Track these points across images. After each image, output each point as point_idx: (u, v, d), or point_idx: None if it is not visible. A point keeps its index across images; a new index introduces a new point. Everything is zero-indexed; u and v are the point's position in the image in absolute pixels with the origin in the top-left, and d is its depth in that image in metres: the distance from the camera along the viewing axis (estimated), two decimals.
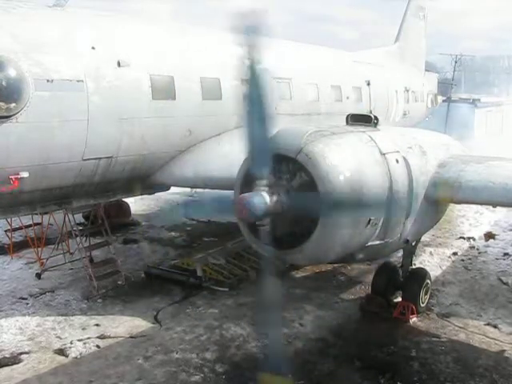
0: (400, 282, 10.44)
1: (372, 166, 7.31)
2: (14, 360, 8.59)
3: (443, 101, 31.90)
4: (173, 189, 13.45)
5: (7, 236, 14.21)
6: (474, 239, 15.44)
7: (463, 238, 15.52)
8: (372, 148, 7.55)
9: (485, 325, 9.96)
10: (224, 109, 11.34)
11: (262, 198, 6.67)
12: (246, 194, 6.75)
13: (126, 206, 16.89)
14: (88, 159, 9.01)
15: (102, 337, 9.38)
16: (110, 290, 11.45)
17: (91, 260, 12.03)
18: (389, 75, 19.50)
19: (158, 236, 15.75)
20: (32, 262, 13.01)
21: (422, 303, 10.34)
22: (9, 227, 13.71)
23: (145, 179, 10.71)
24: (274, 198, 6.78)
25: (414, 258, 10.83)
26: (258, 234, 7.29)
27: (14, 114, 7.81)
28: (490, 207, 12.92)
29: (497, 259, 13.84)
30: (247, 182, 7.30)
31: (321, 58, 15.96)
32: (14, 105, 7.79)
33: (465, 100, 35.64)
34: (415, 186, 7.91)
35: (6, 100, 7.72)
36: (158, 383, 7.99)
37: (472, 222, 17.54)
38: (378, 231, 7.51)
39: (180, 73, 10.42)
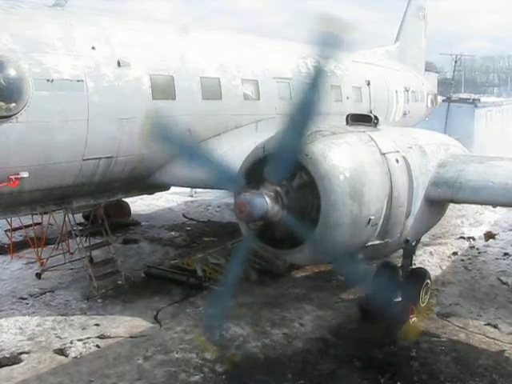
0: (400, 281, 10.42)
1: (372, 165, 7.32)
2: (14, 360, 8.57)
3: (443, 101, 31.84)
4: (173, 189, 13.46)
5: (7, 236, 14.21)
6: (474, 239, 15.42)
7: (463, 238, 15.50)
8: (372, 148, 7.56)
9: (485, 325, 9.95)
10: (224, 109, 11.35)
11: (264, 199, 6.68)
12: (247, 195, 6.76)
13: (126, 206, 16.88)
14: (88, 159, 9.02)
15: (102, 337, 9.37)
16: (110, 289, 11.44)
17: (91, 260, 12.02)
18: (389, 75, 19.49)
19: (158, 236, 15.75)
20: (32, 262, 13.00)
21: (422, 303, 10.32)
22: (9, 227, 13.70)
23: (145, 179, 10.72)
24: (276, 207, 6.78)
25: (414, 257, 10.82)
26: (259, 234, 7.33)
27: (14, 114, 7.82)
28: (490, 207, 12.91)
29: (497, 259, 13.84)
30: (247, 182, 7.31)
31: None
32: (14, 105, 7.80)
33: (465, 100, 35.56)
34: (415, 186, 7.91)
35: (6, 100, 7.74)
36: (157, 383, 7.99)
37: (472, 221, 17.52)
38: (377, 231, 7.51)
39: (180, 73, 10.43)
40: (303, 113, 6.73)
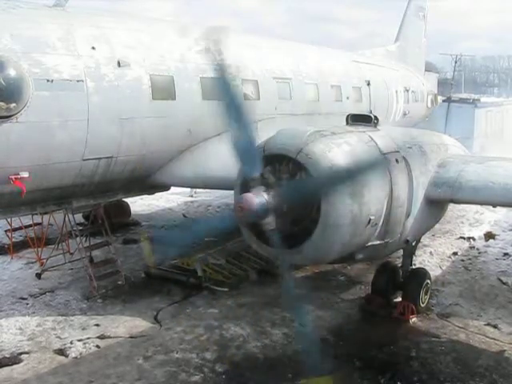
0: (400, 282, 10.44)
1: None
2: (14, 360, 8.57)
3: (443, 101, 31.86)
4: (173, 189, 13.46)
5: (7, 236, 14.21)
6: (474, 239, 15.42)
7: (463, 238, 15.50)
8: (372, 148, 7.56)
9: (485, 325, 9.95)
10: None
11: (262, 196, 6.69)
12: (246, 194, 6.77)
13: (126, 206, 16.87)
14: (88, 159, 9.01)
15: (101, 337, 9.37)
16: (110, 290, 11.44)
17: (91, 260, 12.02)
18: (389, 75, 19.50)
19: None
20: (32, 262, 13.00)
21: (422, 303, 10.34)
22: (9, 227, 13.71)
23: (145, 179, 10.71)
24: (272, 194, 6.79)
25: (414, 258, 10.83)
26: (259, 234, 7.32)
27: (14, 114, 7.82)
28: (490, 207, 12.91)
29: (497, 259, 13.84)
30: (247, 182, 7.31)
31: (321, 58, 15.97)
32: (14, 105, 7.80)
33: (465, 100, 35.55)
34: (415, 186, 7.92)
35: (6, 100, 7.73)
36: (157, 383, 7.99)
37: (472, 221, 17.52)
38: (377, 231, 7.51)
39: (180, 73, 10.42)
40: (231, 109, 6.92)
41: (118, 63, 9.26)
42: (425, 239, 13.07)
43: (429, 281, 10.54)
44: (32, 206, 9.39)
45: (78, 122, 8.64)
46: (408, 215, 7.91)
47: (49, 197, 9.30)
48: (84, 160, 8.96)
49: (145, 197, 17.28)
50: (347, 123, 8.69)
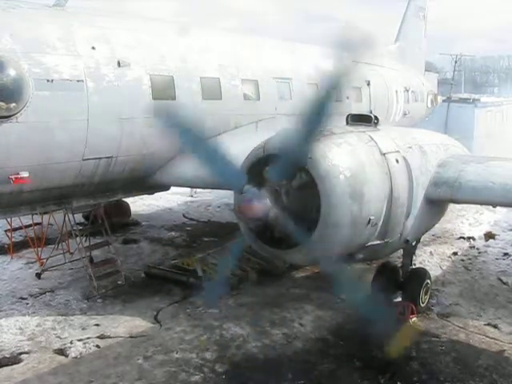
0: (400, 281, 10.43)
1: (372, 165, 7.33)
2: (14, 360, 8.57)
3: (443, 101, 31.81)
4: (173, 189, 13.47)
5: (7, 236, 14.21)
6: (474, 239, 15.41)
7: (463, 238, 15.49)
8: (372, 148, 7.57)
9: (485, 325, 9.94)
10: (224, 109, 11.35)
11: (265, 200, 6.69)
12: (248, 195, 6.77)
13: (126, 206, 16.88)
14: (88, 159, 9.02)
15: (101, 337, 9.37)
16: (110, 289, 11.44)
17: (91, 260, 12.02)
18: (389, 75, 19.49)
19: (158, 236, 15.75)
20: (32, 262, 13.00)
21: (422, 303, 10.34)
22: (9, 227, 13.71)
23: (145, 179, 10.71)
24: (275, 208, 6.81)
25: (414, 258, 10.82)
26: (257, 233, 7.33)
27: (14, 114, 7.83)
28: (490, 207, 12.91)
29: (497, 259, 13.83)
30: (248, 182, 7.31)
31: (321, 58, 15.94)
32: (14, 105, 7.80)
33: (465, 100, 35.50)
34: (415, 186, 7.92)
35: (6, 100, 7.74)
36: (157, 383, 7.99)
37: (472, 221, 17.50)
38: (377, 231, 7.52)
39: (180, 73, 10.42)
40: (314, 116, 6.64)
41: (118, 63, 9.27)
42: (425, 239, 13.06)
43: (429, 281, 10.54)
44: (32, 206, 9.40)
45: (78, 122, 8.65)
46: (408, 215, 7.91)
47: (49, 197, 9.31)
48: (84, 160, 8.97)
49: (145, 197, 17.29)
50: (347, 123, 8.68)
